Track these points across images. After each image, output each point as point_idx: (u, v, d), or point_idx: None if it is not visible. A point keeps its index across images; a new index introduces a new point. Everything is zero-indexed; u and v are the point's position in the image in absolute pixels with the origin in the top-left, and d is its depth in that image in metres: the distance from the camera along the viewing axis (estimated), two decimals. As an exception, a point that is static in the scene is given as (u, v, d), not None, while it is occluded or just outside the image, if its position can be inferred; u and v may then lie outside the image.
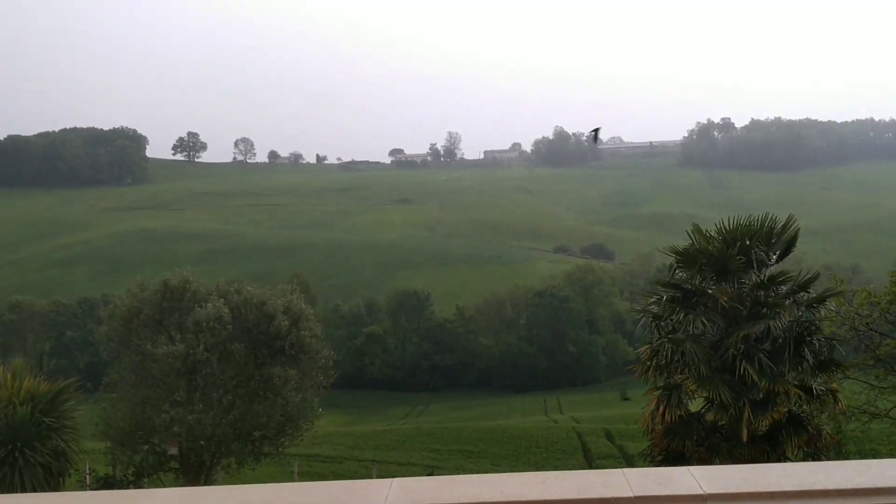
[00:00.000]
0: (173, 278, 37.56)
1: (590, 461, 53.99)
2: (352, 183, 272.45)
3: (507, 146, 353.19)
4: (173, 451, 34.63)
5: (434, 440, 63.56)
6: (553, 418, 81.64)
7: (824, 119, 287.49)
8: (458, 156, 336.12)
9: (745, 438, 18.73)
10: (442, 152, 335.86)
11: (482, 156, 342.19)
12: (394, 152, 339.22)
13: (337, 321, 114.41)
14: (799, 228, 20.44)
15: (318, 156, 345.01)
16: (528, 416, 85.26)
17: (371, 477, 46.66)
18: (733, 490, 1.97)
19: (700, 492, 1.95)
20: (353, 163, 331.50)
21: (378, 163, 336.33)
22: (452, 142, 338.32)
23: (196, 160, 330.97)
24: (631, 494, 2.09)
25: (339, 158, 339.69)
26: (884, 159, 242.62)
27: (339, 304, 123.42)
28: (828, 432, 20.57)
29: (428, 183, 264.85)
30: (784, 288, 20.23)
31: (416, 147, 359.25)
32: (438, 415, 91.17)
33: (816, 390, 19.60)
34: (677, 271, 21.15)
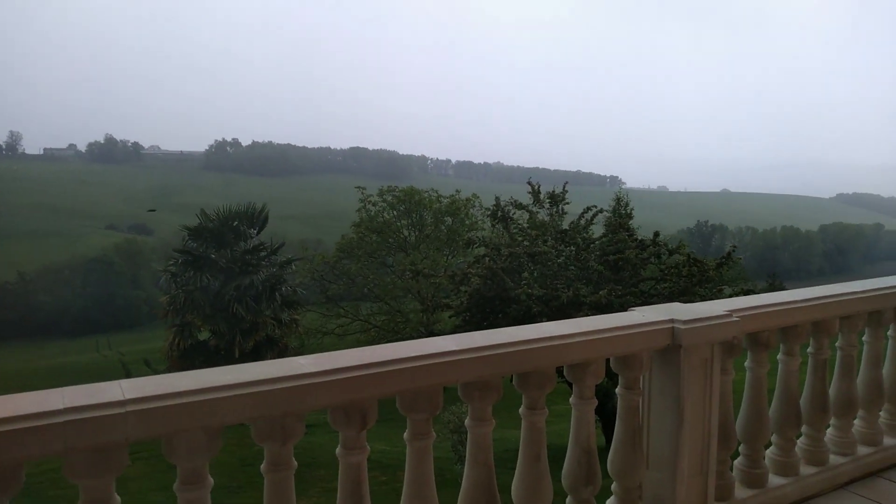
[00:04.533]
0: None
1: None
2: None
3: (64, 146, 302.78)
4: None
5: (-3, 381, 52.99)
6: (103, 354, 73.20)
7: (301, 145, 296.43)
8: (20, 150, 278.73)
9: (237, 355, 18.70)
10: (4, 147, 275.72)
11: (42, 152, 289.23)
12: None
13: None
14: (268, 212, 20.90)
15: None
16: (82, 355, 75.10)
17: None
18: (148, 394, 1.66)
19: (122, 398, 1.62)
20: None
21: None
22: (14, 139, 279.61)
23: None
24: (62, 406, 1.66)
25: None
26: (336, 173, 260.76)
27: None
28: (292, 347, 21.45)
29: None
30: (263, 253, 20.57)
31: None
32: (4, 359, 75.44)
33: (284, 320, 20.32)
34: (190, 242, 20.33)
